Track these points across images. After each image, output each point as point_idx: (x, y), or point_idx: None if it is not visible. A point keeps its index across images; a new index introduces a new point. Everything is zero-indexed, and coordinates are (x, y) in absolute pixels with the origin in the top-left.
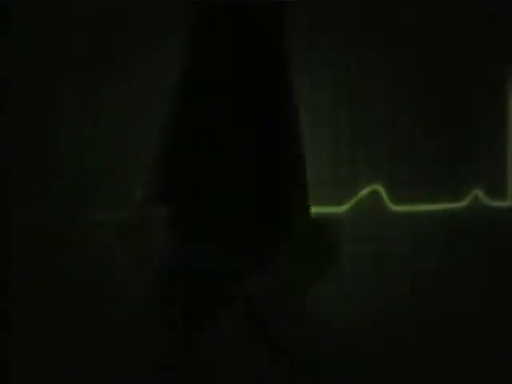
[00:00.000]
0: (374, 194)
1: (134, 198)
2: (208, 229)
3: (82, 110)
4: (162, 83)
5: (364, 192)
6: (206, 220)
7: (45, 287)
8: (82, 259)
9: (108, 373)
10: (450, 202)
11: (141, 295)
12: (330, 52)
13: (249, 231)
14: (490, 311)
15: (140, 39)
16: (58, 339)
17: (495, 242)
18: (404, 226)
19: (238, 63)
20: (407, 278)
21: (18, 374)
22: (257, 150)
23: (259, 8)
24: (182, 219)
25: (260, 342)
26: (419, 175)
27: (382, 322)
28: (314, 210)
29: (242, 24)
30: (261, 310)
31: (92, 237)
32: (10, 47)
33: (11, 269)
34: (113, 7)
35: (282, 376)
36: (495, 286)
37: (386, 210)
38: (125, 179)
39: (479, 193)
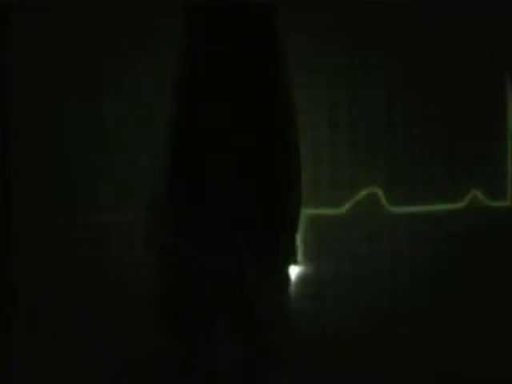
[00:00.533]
0: (373, 195)
1: (135, 199)
2: (207, 228)
3: (82, 110)
4: (163, 84)
5: (363, 193)
6: (205, 220)
7: (45, 287)
8: (81, 259)
9: (108, 373)
10: (449, 202)
11: (140, 295)
12: (329, 53)
13: (248, 231)
14: (489, 311)
15: (140, 40)
16: (58, 339)
17: (494, 242)
18: (403, 227)
19: (237, 65)
20: (407, 278)
21: (18, 373)
22: (256, 150)
23: (257, 11)
24: (181, 219)
25: (259, 343)
26: (418, 176)
27: (382, 322)
28: (313, 211)
29: (240, 27)
30: (260, 310)
31: (92, 237)
32: (9, 47)
33: (11, 268)
34: (113, 8)
35: (282, 376)
36: (494, 287)
37: (384, 211)
38: (125, 179)
39: (478, 193)
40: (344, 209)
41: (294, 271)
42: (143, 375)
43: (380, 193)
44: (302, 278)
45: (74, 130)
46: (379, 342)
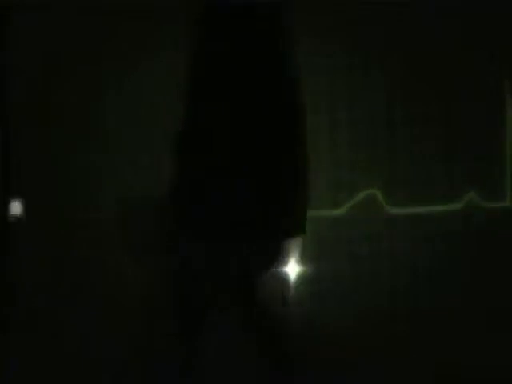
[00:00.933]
0: (372, 196)
1: (135, 199)
2: (209, 228)
3: (82, 110)
4: (164, 84)
5: (361, 194)
6: (206, 219)
7: (45, 287)
8: (81, 259)
9: (108, 373)
10: (448, 203)
11: (140, 295)
12: (329, 53)
13: (250, 230)
14: (489, 311)
15: (140, 40)
16: (58, 339)
17: (493, 242)
18: (402, 228)
19: (238, 65)
20: (407, 278)
21: (18, 373)
22: (258, 150)
23: (261, 11)
24: (183, 219)
25: (261, 342)
26: (417, 177)
27: (382, 322)
28: (312, 211)
29: (243, 26)
30: (260, 310)
31: (93, 236)
32: (9, 47)
33: (11, 268)
34: (113, 8)
35: (282, 376)
36: (494, 287)
37: (383, 212)
38: (125, 179)
39: (477, 194)
40: (343, 209)
41: (295, 271)
42: (143, 375)
43: (379, 194)
44: (302, 278)
45: (73, 130)
46: (379, 341)
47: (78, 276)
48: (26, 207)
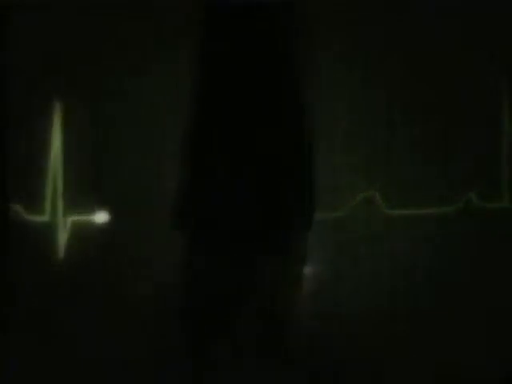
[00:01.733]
0: (372, 198)
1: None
2: (216, 230)
3: (82, 110)
4: (163, 84)
5: (362, 195)
6: (213, 221)
7: (45, 287)
8: (82, 259)
9: (108, 373)
10: (447, 203)
11: (141, 295)
12: (329, 53)
13: (257, 231)
14: (489, 311)
15: (140, 40)
16: (58, 339)
17: (492, 242)
18: (401, 229)
19: (242, 65)
20: (406, 278)
21: (18, 373)
22: (264, 150)
23: (268, 10)
24: (189, 220)
25: (259, 342)
26: (416, 178)
27: (382, 322)
28: None
29: (253, 26)
30: (262, 309)
31: (92, 237)
32: (9, 47)
33: (11, 268)
34: (113, 8)
35: (282, 376)
36: (494, 287)
37: (383, 213)
38: (125, 179)
39: (476, 194)
40: (344, 211)
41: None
42: (143, 375)
43: (378, 195)
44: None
45: (73, 130)
46: (379, 342)
47: (78, 276)
48: (26, 207)
